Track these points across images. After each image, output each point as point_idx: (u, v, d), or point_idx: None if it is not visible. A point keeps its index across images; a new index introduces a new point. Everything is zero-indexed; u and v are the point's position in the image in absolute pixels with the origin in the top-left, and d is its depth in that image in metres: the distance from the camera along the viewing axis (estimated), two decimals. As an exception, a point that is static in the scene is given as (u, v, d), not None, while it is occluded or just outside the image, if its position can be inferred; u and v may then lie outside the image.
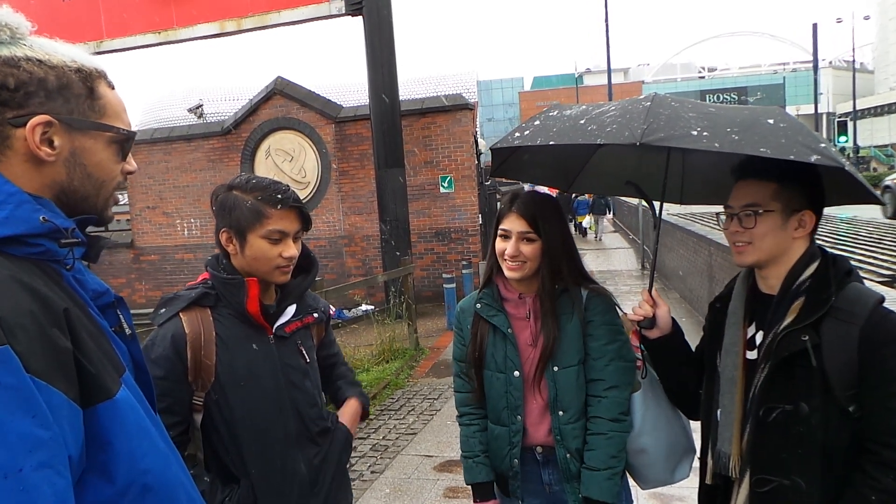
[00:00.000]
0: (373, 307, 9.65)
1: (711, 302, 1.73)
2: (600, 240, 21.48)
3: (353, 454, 4.88)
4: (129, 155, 1.07)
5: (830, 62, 66.38)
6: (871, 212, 15.45)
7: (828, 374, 1.40)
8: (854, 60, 51.18)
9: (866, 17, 61.16)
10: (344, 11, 9.73)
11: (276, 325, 1.70)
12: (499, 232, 1.85)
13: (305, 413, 1.71)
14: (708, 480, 1.64)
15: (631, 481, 1.95)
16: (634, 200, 15.27)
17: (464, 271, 9.82)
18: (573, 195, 22.88)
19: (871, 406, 1.39)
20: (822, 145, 1.39)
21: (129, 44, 10.75)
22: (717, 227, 1.80)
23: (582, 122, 1.59)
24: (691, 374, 1.77)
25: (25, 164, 0.93)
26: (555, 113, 1.74)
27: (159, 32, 10.51)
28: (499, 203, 1.94)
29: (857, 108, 49.11)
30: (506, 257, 1.82)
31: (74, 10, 10.70)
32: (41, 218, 0.90)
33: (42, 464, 0.77)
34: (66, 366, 0.83)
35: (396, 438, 5.24)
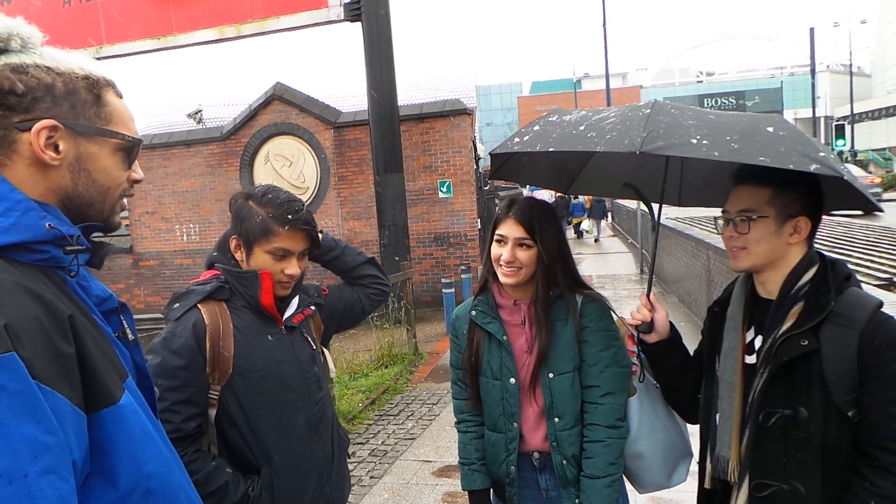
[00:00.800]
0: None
1: (710, 306, 1.74)
2: (598, 241, 21.73)
3: (351, 459, 4.92)
4: (136, 163, 1.08)
5: (828, 66, 66.53)
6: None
7: (827, 379, 1.40)
8: (851, 64, 51.30)
9: (863, 22, 61.29)
10: (343, 17, 9.76)
11: (285, 317, 1.76)
12: (495, 237, 1.85)
13: (316, 398, 1.78)
14: (707, 485, 1.63)
15: (628, 485, 1.95)
16: (633, 204, 15.29)
17: (463, 276, 9.83)
18: (571, 198, 23.47)
19: (871, 410, 1.39)
20: (822, 154, 1.40)
21: (128, 49, 10.77)
22: (715, 231, 1.81)
23: (581, 128, 1.59)
24: (689, 378, 1.77)
25: (31, 169, 0.94)
26: (554, 118, 1.74)
27: (158, 38, 10.53)
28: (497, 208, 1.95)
29: (855, 111, 49.19)
30: (501, 263, 1.82)
31: (75, 16, 10.73)
32: (47, 225, 0.91)
33: (47, 469, 0.77)
34: (70, 372, 0.85)
35: (395, 444, 5.23)
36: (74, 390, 0.84)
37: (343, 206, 11.68)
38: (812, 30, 38.03)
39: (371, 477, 4.59)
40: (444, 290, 8.89)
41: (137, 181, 1.09)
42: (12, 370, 0.77)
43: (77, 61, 0.99)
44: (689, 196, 2.12)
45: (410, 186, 10.80)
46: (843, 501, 1.41)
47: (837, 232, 9.93)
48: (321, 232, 1.86)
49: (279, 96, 11.58)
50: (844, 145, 39.27)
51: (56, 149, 0.95)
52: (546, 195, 31.40)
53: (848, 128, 41.47)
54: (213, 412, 1.65)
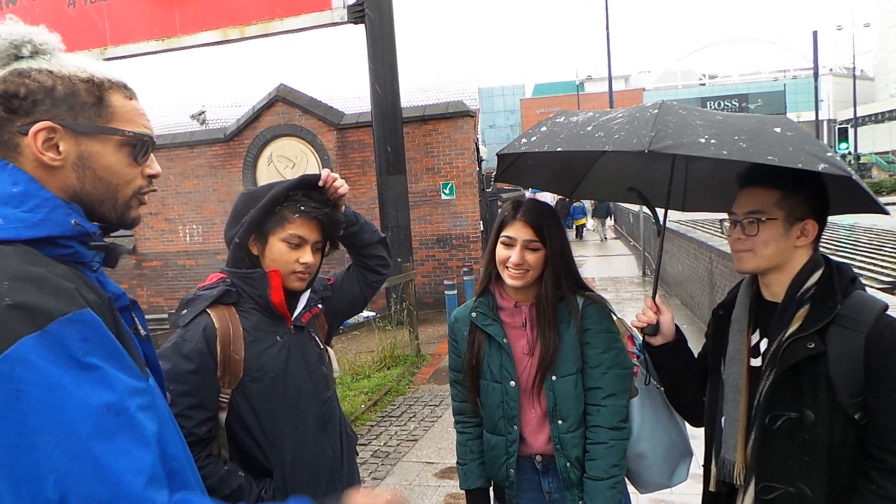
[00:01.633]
0: (374, 314, 9.64)
1: (714, 309, 1.73)
2: (605, 239, 22.74)
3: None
4: (152, 158, 1.10)
5: (831, 69, 66.46)
6: (871, 218, 15.46)
7: (833, 382, 1.40)
8: (854, 67, 51.26)
9: (867, 25, 61.22)
10: (346, 19, 9.78)
11: (294, 316, 1.75)
12: (501, 239, 1.84)
13: (324, 397, 1.78)
14: (711, 488, 1.63)
15: (629, 486, 1.96)
16: (636, 207, 15.27)
17: (465, 278, 9.82)
18: (573, 200, 24.30)
19: (877, 412, 1.39)
20: (829, 154, 1.40)
21: (132, 51, 10.80)
22: (719, 234, 1.80)
23: (589, 128, 1.59)
24: (694, 381, 1.77)
25: (38, 171, 0.97)
26: (561, 119, 1.74)
27: (163, 40, 10.57)
28: (500, 210, 1.94)
29: (858, 115, 49.19)
30: (509, 265, 1.81)
31: (80, 18, 10.77)
32: (73, 222, 0.97)
33: (142, 406, 0.90)
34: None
35: (398, 445, 5.23)
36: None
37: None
38: (815, 33, 38.02)
39: (374, 478, 4.58)
40: (446, 292, 8.89)
41: (153, 176, 1.10)
42: (92, 323, 0.88)
43: (82, 64, 1.02)
44: (693, 201, 2.12)
45: (413, 188, 10.80)
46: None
47: (841, 235, 9.91)
48: (344, 206, 1.86)
49: (282, 98, 11.60)
50: (847, 149, 39.29)
51: (57, 150, 0.98)
52: (548, 197, 31.55)
53: (851, 131, 41.49)
54: (223, 416, 1.65)
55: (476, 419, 1.98)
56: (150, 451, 0.87)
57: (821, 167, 1.34)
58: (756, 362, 1.55)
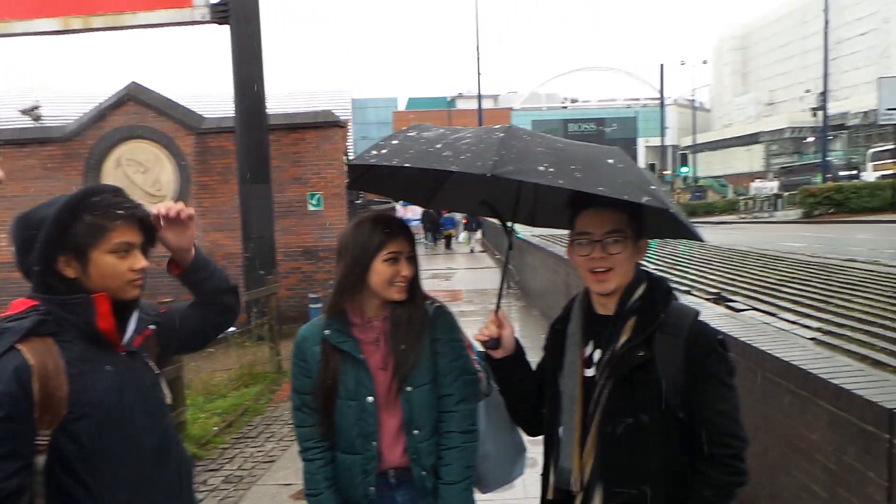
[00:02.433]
0: (233, 329, 9.18)
1: (552, 324, 1.81)
2: (473, 251, 23.96)
3: (202, 488, 4.61)
4: None
5: (675, 100, 73.59)
6: (705, 234, 17.21)
7: (662, 385, 1.52)
8: (694, 99, 57.19)
9: (704, 62, 68.62)
10: (209, 18, 9.30)
11: (125, 341, 1.59)
12: (384, 257, 1.81)
13: (162, 425, 1.68)
14: (549, 496, 1.69)
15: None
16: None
17: (331, 291, 9.62)
18: (441, 212, 25.94)
19: (700, 410, 1.52)
20: (653, 187, 1.51)
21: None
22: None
23: (439, 146, 1.61)
24: (532, 393, 1.83)
25: None
26: (413, 134, 1.75)
27: (-13, 24, 9.41)
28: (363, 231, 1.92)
29: (697, 142, 54.85)
30: (400, 280, 1.83)
31: None
32: None
33: None
34: None
35: (252, 468, 4.99)
36: None
37: (204, 217, 11.05)
38: (662, 66, 41.99)
39: (225, 505, 4.32)
40: (311, 306, 8.68)
41: None
42: None
43: None
44: (542, 217, 2.20)
45: (279, 198, 10.46)
46: (688, 498, 1.52)
47: (677, 250, 10.94)
48: (195, 245, 1.75)
49: (134, 97, 10.78)
50: (688, 172, 43.67)
51: None
52: (418, 209, 32.07)
53: (691, 156, 46.19)
54: (40, 459, 1.45)
55: (326, 443, 1.90)
56: None
57: (644, 199, 1.44)
58: (590, 372, 1.63)
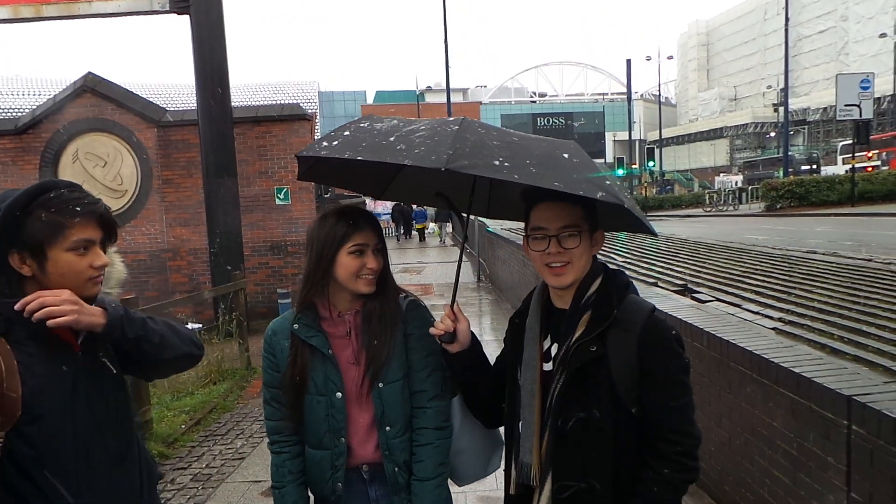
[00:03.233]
0: (200, 325, 9.01)
1: (511, 318, 1.80)
2: (443, 243, 24.65)
3: (170, 486, 4.52)
4: None
5: (642, 95, 74.61)
6: (671, 228, 17.48)
7: (614, 381, 1.51)
8: (660, 95, 58.01)
9: (670, 57, 69.56)
10: (168, 8, 9.07)
11: (80, 339, 1.54)
12: (349, 249, 1.78)
13: (122, 427, 1.63)
14: (512, 491, 1.69)
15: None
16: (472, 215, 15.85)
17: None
18: (413, 206, 26.25)
19: (650, 406, 1.52)
20: (608, 182, 1.50)
21: None
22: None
23: (392, 139, 1.58)
24: (489, 388, 1.82)
25: None
26: (366, 125, 1.71)
27: (-66, 12, 9.01)
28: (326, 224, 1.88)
29: (663, 136, 55.71)
30: (366, 273, 1.80)
31: None
32: None
33: None
34: None
35: (221, 465, 4.92)
36: None
37: (168, 212, 10.82)
38: (629, 62, 42.43)
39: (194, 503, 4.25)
40: (280, 301, 8.56)
41: None
42: None
43: None
44: (496, 208, 2.20)
45: (245, 192, 10.30)
46: (634, 492, 1.52)
47: (644, 242, 11.08)
48: (105, 308, 1.56)
49: (91, 88, 10.45)
50: (654, 166, 44.32)
51: None
52: (388, 203, 32.08)
53: (657, 151, 46.87)
54: None
55: (294, 437, 1.89)
56: None
57: (599, 195, 1.44)
58: (548, 367, 1.63)
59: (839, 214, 19.06)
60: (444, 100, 27.81)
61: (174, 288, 10.80)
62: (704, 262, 7.68)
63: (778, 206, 23.28)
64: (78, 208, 1.50)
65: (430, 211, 27.50)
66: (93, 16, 9.14)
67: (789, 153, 35.65)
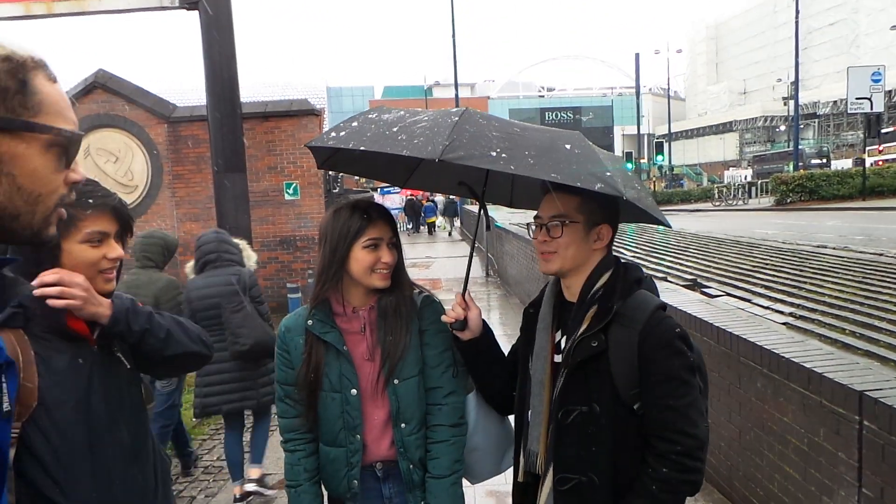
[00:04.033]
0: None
1: (526, 307, 1.81)
2: (451, 234, 25.51)
3: (182, 479, 4.57)
4: (76, 161, 0.89)
5: (650, 89, 74.11)
6: (680, 222, 17.40)
7: (615, 377, 1.51)
8: (669, 88, 57.65)
9: (679, 51, 69.03)
10: (177, 4, 9.07)
11: (96, 333, 1.55)
12: (364, 244, 1.77)
13: (136, 422, 1.63)
14: (520, 478, 1.71)
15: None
16: (478, 208, 15.83)
17: (310, 280, 9.57)
18: (422, 201, 28.14)
19: (650, 403, 1.51)
20: (608, 174, 1.49)
21: None
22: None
23: (395, 129, 1.58)
24: (500, 375, 1.84)
25: None
26: (374, 115, 1.72)
27: (-54, 10, 9.08)
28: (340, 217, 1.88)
29: (672, 130, 55.42)
30: (381, 267, 1.78)
31: None
32: None
33: None
34: None
35: (232, 458, 4.95)
36: None
37: (179, 207, 10.88)
38: (637, 55, 42.20)
39: (206, 496, 4.31)
40: (289, 295, 8.60)
41: (77, 182, 0.90)
42: None
43: None
44: (520, 199, 2.19)
45: (254, 187, 10.32)
46: (631, 488, 1.52)
47: (656, 237, 11.05)
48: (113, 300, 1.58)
49: (102, 84, 10.50)
50: (663, 160, 44.10)
51: None
52: (397, 198, 32.31)
53: (666, 145, 46.63)
54: (11, 453, 1.40)
55: (309, 435, 1.87)
56: None
57: (597, 186, 1.43)
58: (558, 359, 1.63)
59: (849, 209, 18.93)
60: (453, 95, 27.76)
61: (184, 283, 10.88)
62: (714, 257, 7.66)
63: (788, 201, 23.11)
64: (90, 200, 1.51)
65: (439, 205, 28.05)
66: (103, 12, 9.16)
67: (799, 147, 35.37)
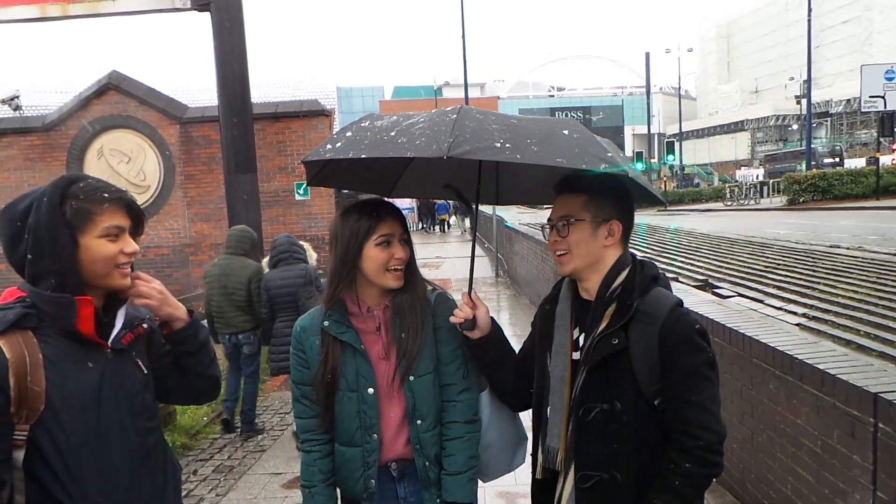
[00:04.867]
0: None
1: (541, 303, 1.81)
2: (464, 232, 26.13)
3: (192, 478, 4.60)
4: None
5: (661, 88, 73.71)
6: (692, 222, 17.31)
7: (636, 373, 1.52)
8: (680, 88, 57.31)
9: (689, 50, 68.69)
10: (190, 6, 9.13)
11: (111, 338, 1.55)
12: (376, 241, 1.77)
13: (146, 427, 1.63)
14: (538, 475, 1.71)
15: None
16: (489, 209, 15.85)
17: (322, 280, 9.60)
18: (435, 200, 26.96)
19: (671, 399, 1.52)
20: (610, 154, 1.52)
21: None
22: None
23: (392, 133, 1.59)
24: (510, 372, 1.85)
25: None
26: (366, 124, 1.73)
27: (-36, 12, 9.19)
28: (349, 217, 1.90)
29: (683, 130, 55.11)
30: (394, 264, 1.79)
31: None
32: None
33: None
34: None
35: (243, 457, 5.00)
36: None
37: (190, 207, 10.95)
38: (647, 55, 42.03)
39: (216, 495, 4.34)
40: (299, 295, 8.62)
41: None
42: None
43: None
44: (506, 195, 2.24)
45: (265, 187, 10.37)
46: (654, 484, 1.52)
47: (667, 237, 10.99)
48: (191, 310, 1.69)
49: (115, 86, 10.59)
50: (674, 160, 43.85)
51: None
52: (405, 199, 32.40)
53: (677, 144, 46.35)
54: (19, 455, 1.43)
55: (325, 436, 1.87)
56: None
57: (602, 167, 1.46)
58: (577, 356, 1.64)
59: (863, 208, 18.74)
60: (462, 95, 27.77)
61: (196, 282, 10.93)
62: (726, 257, 7.60)
63: (800, 200, 22.94)
64: (106, 195, 1.52)
65: (451, 203, 28.28)
66: (117, 14, 9.23)
67: (812, 146, 35.07)
